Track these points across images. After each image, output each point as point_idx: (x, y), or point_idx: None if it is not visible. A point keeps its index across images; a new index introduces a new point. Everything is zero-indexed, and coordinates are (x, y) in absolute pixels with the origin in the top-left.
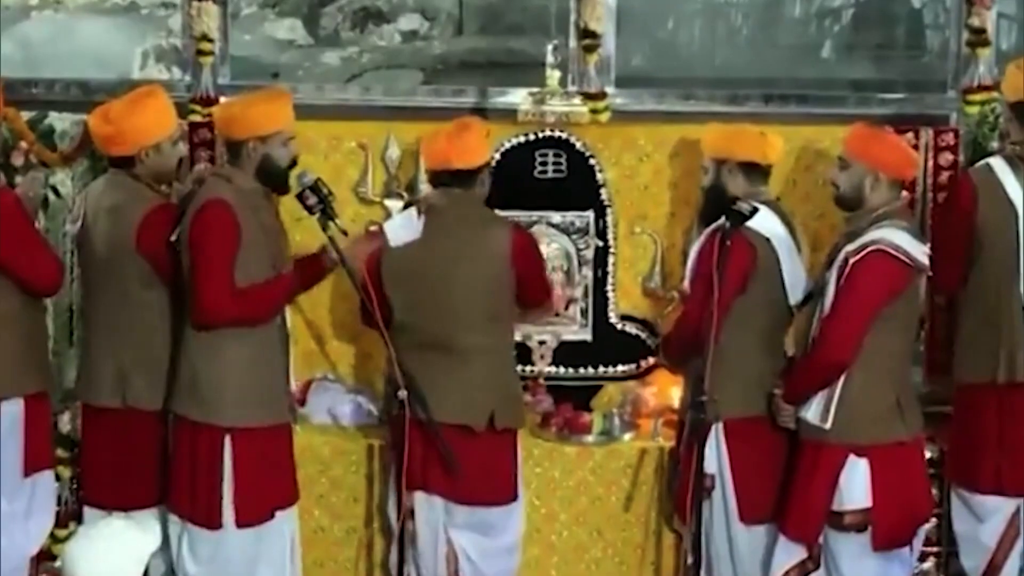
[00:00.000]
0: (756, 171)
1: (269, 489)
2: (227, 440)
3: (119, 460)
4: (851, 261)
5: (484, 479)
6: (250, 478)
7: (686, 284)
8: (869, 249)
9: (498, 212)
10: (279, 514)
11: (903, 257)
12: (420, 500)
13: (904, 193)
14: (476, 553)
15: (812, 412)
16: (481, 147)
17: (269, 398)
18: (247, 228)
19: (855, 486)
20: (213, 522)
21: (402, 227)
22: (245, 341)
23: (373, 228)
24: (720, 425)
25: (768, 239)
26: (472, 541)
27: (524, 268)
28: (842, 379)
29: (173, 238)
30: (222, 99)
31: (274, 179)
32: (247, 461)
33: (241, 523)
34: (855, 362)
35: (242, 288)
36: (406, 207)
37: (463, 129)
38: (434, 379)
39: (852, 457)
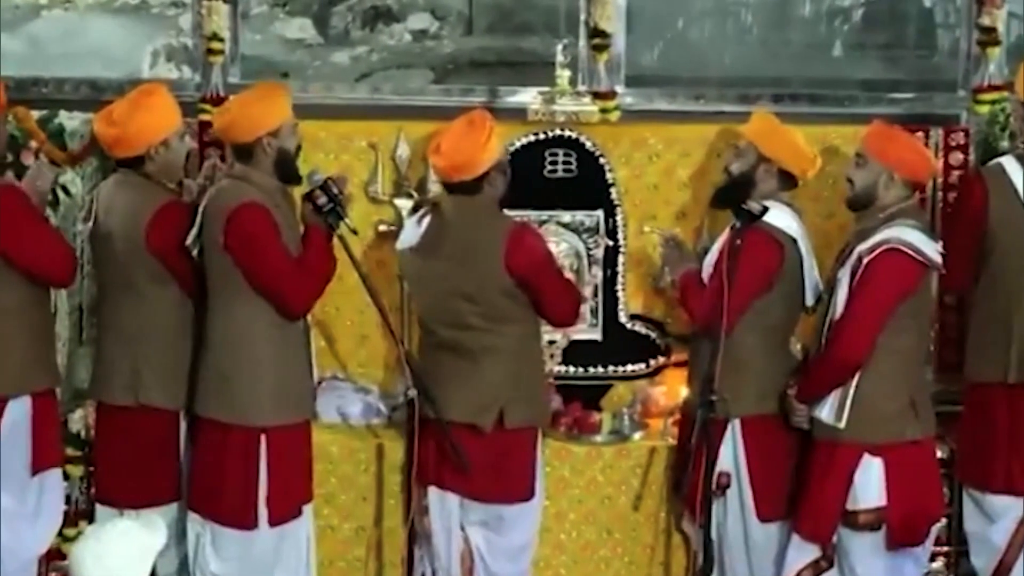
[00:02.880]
0: (790, 180)
1: (297, 486)
2: (263, 440)
3: (132, 458)
4: (865, 260)
5: (497, 477)
6: (283, 476)
7: (704, 274)
8: (883, 248)
9: (507, 211)
10: (303, 509)
11: (917, 255)
12: (433, 496)
13: (915, 193)
14: (487, 551)
15: (826, 411)
16: (480, 156)
17: (298, 395)
18: (279, 225)
19: (869, 485)
20: (247, 522)
21: (407, 231)
22: (272, 340)
23: (383, 228)
24: (737, 422)
25: (795, 239)
26: (484, 538)
27: (521, 269)
28: (856, 378)
29: (188, 241)
30: (232, 98)
31: (289, 169)
32: (280, 460)
33: (274, 522)
34: (869, 361)
35: (301, 264)
36: (415, 207)
37: (463, 136)
38: (446, 379)
39: (866, 456)
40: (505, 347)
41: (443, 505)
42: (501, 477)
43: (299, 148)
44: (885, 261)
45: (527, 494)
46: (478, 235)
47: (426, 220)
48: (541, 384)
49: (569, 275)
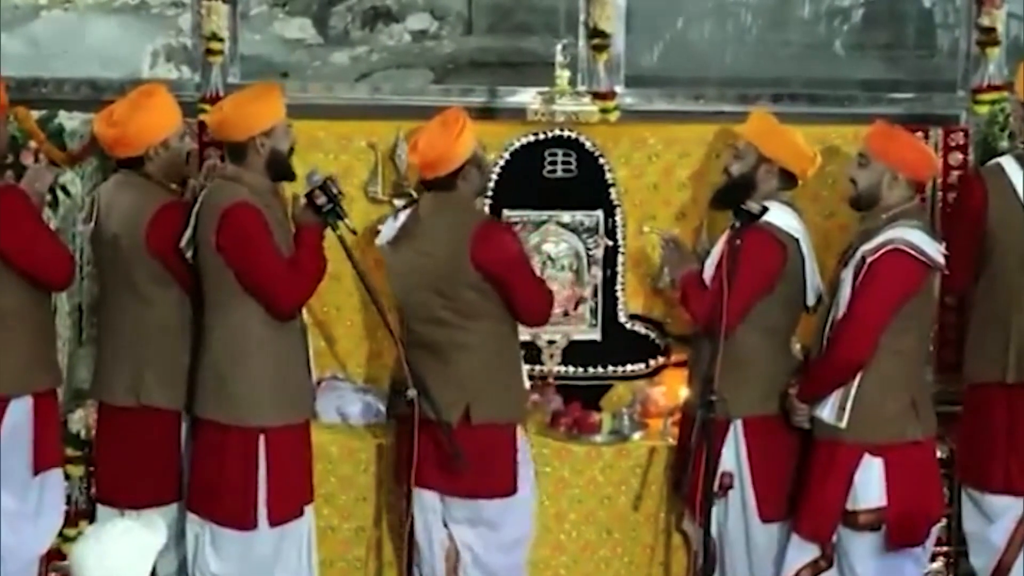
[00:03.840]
0: (791, 180)
1: (297, 486)
2: (261, 440)
3: (133, 459)
4: (868, 260)
5: (474, 473)
6: (282, 477)
7: (706, 275)
8: (887, 248)
9: (507, 211)
10: (305, 509)
11: (920, 256)
12: (414, 494)
13: (918, 193)
14: (479, 547)
15: (827, 411)
16: (452, 151)
17: (297, 395)
18: (270, 225)
19: (870, 485)
20: (247, 523)
21: (386, 227)
22: (269, 340)
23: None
24: (739, 423)
25: (797, 239)
26: (472, 535)
27: (487, 263)
28: (857, 378)
29: (183, 243)
30: (226, 97)
31: (282, 169)
32: (280, 460)
33: (274, 522)
34: (870, 361)
35: (293, 264)
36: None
37: (436, 134)
38: (421, 376)
39: (867, 456)
40: (476, 344)
41: (421, 502)
42: (478, 473)
43: (291, 150)
44: (889, 261)
45: (508, 490)
46: (447, 229)
47: (403, 215)
48: (515, 381)
49: (569, 274)
